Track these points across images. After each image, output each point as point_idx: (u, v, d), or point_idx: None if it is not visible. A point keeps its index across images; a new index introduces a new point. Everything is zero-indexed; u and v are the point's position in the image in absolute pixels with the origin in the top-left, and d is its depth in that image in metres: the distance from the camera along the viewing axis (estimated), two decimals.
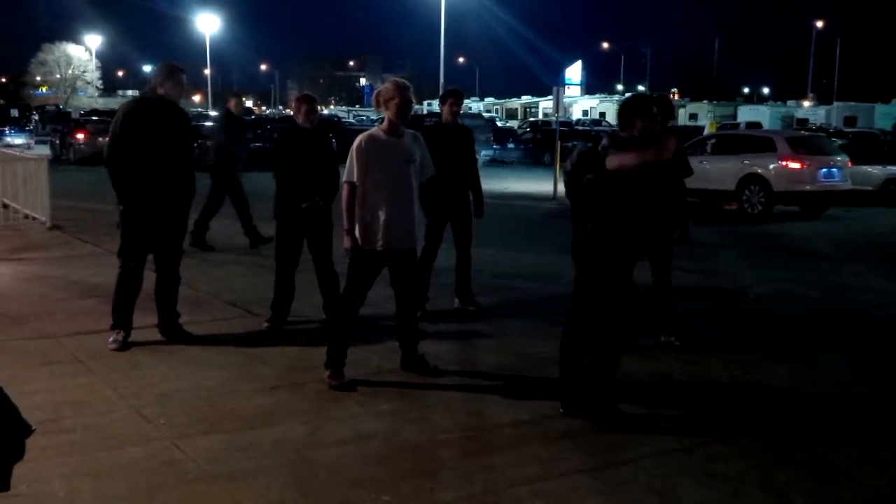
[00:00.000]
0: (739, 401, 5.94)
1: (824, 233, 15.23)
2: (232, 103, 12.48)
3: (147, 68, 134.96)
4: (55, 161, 26.88)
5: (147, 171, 6.48)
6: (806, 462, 4.86)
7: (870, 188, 20.20)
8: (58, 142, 32.94)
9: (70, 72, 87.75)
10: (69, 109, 60.91)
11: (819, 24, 76.82)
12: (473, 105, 72.65)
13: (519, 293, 8.96)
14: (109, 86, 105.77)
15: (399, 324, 6.27)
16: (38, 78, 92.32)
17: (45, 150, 29.21)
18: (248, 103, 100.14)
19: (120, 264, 6.80)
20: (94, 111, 54.68)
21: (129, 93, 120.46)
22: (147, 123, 6.50)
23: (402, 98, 5.83)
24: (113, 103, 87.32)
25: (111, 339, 6.66)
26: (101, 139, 31.28)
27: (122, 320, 6.72)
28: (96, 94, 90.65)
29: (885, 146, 23.63)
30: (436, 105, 58.56)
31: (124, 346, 6.62)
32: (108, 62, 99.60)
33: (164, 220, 6.70)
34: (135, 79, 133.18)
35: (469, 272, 8.14)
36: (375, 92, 6.03)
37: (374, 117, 56.38)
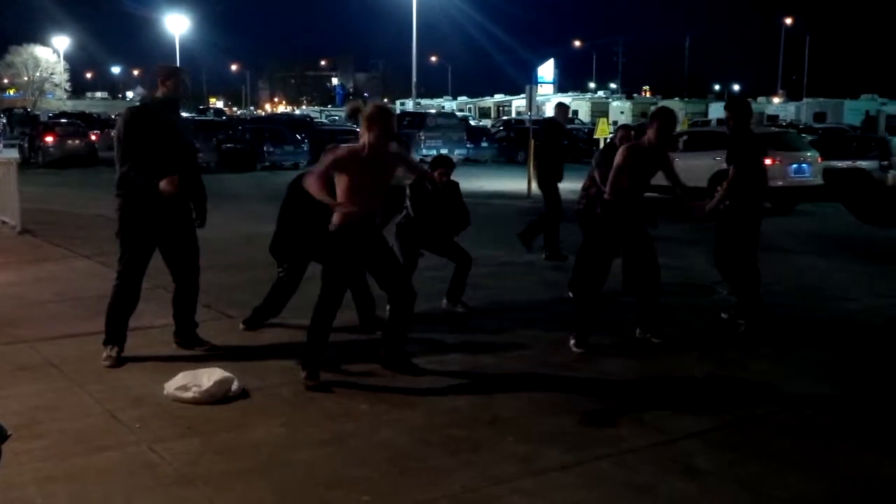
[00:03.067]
0: (718, 396, 5.98)
1: (795, 228, 15.36)
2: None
3: (116, 70, 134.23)
4: (24, 164, 26.60)
5: (156, 174, 6.26)
6: (785, 456, 4.90)
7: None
8: (26, 145, 32.61)
9: (38, 74, 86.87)
10: (37, 112, 60.25)
11: (788, 21, 77.55)
12: (446, 104, 72.67)
13: (497, 292, 8.96)
14: (78, 88, 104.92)
15: (390, 319, 6.26)
16: (6, 81, 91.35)
17: (13, 154, 28.86)
18: (219, 104, 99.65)
19: (116, 276, 6.51)
20: (63, 113, 54.18)
21: (98, 94, 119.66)
22: (150, 129, 6.26)
23: (385, 123, 5.81)
24: (82, 105, 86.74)
25: (104, 354, 6.39)
26: (69, 142, 31.06)
27: (115, 335, 6.47)
28: (65, 97, 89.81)
29: (854, 141, 23.86)
30: (409, 104, 58.66)
31: (118, 362, 6.36)
32: (76, 64, 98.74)
33: (169, 224, 6.46)
34: (103, 80, 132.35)
35: (465, 277, 8.14)
36: (350, 105, 6.05)
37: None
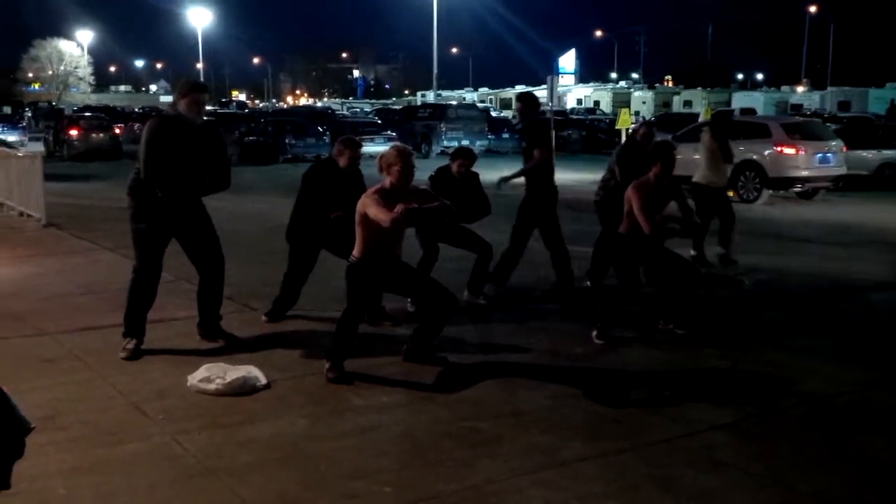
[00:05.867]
0: (741, 388, 5.95)
1: (820, 218, 15.24)
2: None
3: (139, 63, 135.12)
4: (49, 157, 26.83)
5: (175, 185, 6.32)
6: (809, 448, 4.86)
7: (865, 172, 20.17)
8: (51, 138, 32.83)
9: (62, 68, 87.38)
10: (62, 106, 60.77)
11: (812, 9, 76.76)
12: (468, 95, 72.48)
13: (518, 283, 8.94)
14: (102, 81, 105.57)
15: (426, 321, 6.34)
16: (31, 74, 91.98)
17: (38, 147, 29.12)
18: (241, 97, 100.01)
19: (133, 271, 6.57)
20: (87, 107, 54.62)
21: (122, 88, 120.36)
22: (169, 140, 6.27)
23: (404, 164, 5.92)
24: (105, 99, 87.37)
25: (123, 346, 6.44)
26: (94, 135, 31.23)
27: (134, 328, 6.50)
28: (89, 90, 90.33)
29: (879, 130, 23.61)
30: (430, 96, 58.61)
31: (136, 354, 6.40)
32: (100, 58, 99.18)
33: (183, 221, 6.48)
34: (127, 74, 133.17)
35: (487, 268, 8.16)
36: (379, 156, 6.09)
37: (367, 109, 56.26)
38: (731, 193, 17.80)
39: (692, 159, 17.68)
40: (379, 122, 35.51)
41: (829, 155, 17.86)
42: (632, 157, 8.68)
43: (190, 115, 6.40)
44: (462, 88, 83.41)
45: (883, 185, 19.88)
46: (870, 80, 55.36)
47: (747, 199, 17.40)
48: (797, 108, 47.20)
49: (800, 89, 59.49)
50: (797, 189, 17.83)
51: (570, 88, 69.34)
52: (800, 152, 17.32)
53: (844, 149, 18.61)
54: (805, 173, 17.45)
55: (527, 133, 8.77)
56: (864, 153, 20.55)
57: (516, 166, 9.05)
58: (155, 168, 6.26)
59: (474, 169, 8.13)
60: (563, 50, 77.43)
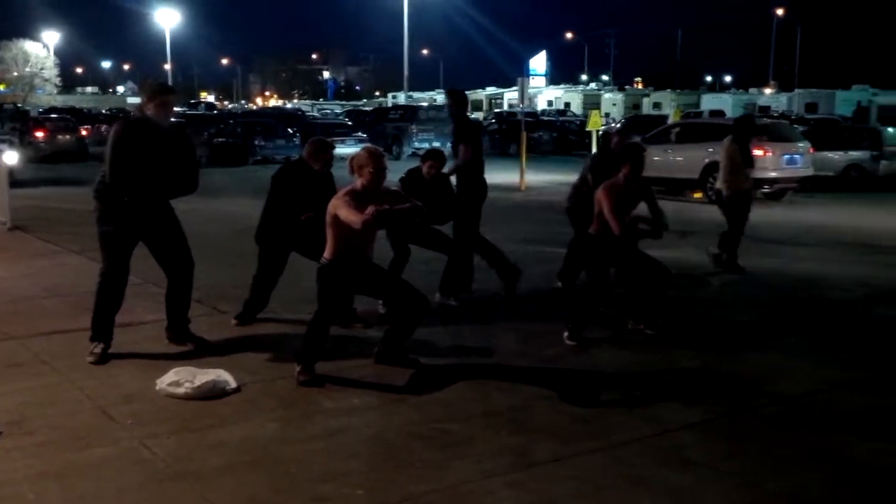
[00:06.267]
0: (712, 387, 5.98)
1: (788, 218, 15.40)
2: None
3: (106, 65, 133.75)
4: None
5: (141, 188, 6.26)
6: (780, 448, 4.90)
7: (831, 174, 20.43)
8: (17, 140, 32.39)
9: (28, 69, 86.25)
10: (28, 107, 59.96)
11: (779, 12, 77.60)
12: (438, 97, 72.49)
13: (489, 285, 8.95)
14: (68, 83, 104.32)
15: (397, 324, 6.31)
16: None
17: (11, 153, 28.70)
18: (210, 98, 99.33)
19: (99, 274, 6.48)
20: (53, 108, 53.92)
21: (89, 90, 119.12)
22: (136, 144, 6.21)
23: (376, 166, 5.90)
24: (72, 100, 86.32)
25: (90, 350, 6.36)
26: (60, 137, 30.90)
27: (101, 332, 6.43)
28: (55, 92, 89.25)
29: (845, 132, 23.91)
30: (401, 97, 58.54)
31: (103, 358, 6.32)
32: (66, 59, 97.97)
33: (150, 224, 6.43)
34: (94, 75, 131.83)
35: (458, 269, 8.15)
36: (350, 157, 6.07)
37: (337, 111, 56.09)
38: (698, 195, 18.02)
39: (661, 161, 17.94)
40: (350, 123, 35.45)
41: (796, 156, 18.07)
42: (606, 166, 8.70)
43: (158, 118, 6.33)
44: (433, 90, 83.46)
45: (849, 187, 20.14)
46: (837, 82, 55.96)
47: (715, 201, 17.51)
48: (764, 109, 47.65)
49: (767, 91, 60.04)
50: (765, 190, 18.00)
51: (541, 90, 69.50)
52: (767, 154, 17.48)
53: (811, 150, 18.83)
54: (773, 174, 17.62)
55: (454, 131, 8.76)
56: (830, 154, 20.80)
57: (489, 167, 9.03)
58: (120, 172, 6.20)
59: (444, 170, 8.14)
60: (534, 52, 77.63)
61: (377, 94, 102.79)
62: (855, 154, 20.90)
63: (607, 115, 52.16)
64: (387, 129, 33.02)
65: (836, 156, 20.95)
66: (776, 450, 4.86)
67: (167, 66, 72.77)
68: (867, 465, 4.71)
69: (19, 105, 63.27)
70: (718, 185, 10.70)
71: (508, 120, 39.18)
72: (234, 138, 30.24)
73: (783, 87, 64.48)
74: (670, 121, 29.42)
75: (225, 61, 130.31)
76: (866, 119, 35.15)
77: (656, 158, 16.58)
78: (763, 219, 15.28)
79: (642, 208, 7.15)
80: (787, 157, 17.83)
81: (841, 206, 17.41)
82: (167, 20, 67.03)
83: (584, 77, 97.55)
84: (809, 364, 6.49)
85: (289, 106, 79.16)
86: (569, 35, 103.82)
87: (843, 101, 46.03)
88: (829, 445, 4.95)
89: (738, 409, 5.51)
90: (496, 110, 57.43)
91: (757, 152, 17.30)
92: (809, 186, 18.56)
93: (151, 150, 6.25)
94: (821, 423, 5.32)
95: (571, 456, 4.73)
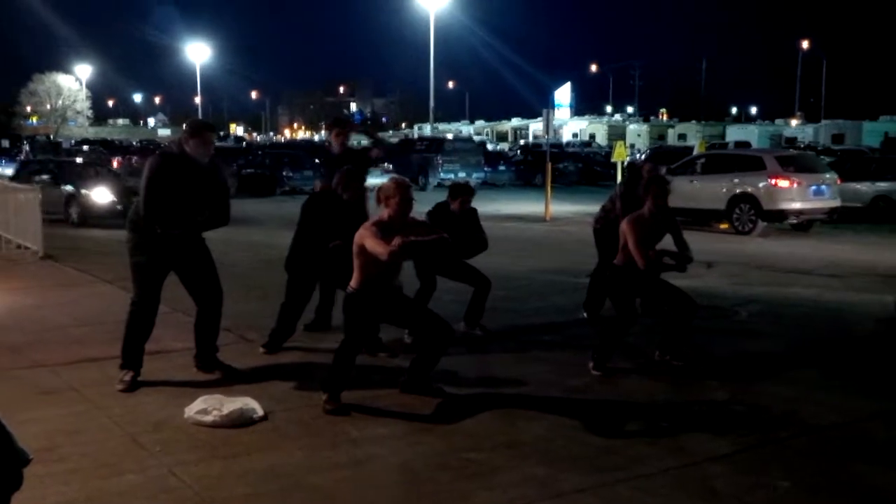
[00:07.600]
0: (738, 419, 5.95)
1: (815, 249, 15.30)
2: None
3: (137, 97, 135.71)
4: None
5: (174, 223, 6.36)
6: (806, 479, 4.86)
7: (859, 205, 20.31)
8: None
9: (60, 102, 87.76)
10: (60, 139, 60.87)
11: (805, 44, 77.52)
12: (464, 128, 72.88)
13: (514, 315, 8.97)
14: (100, 115, 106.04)
15: (423, 353, 6.33)
16: (29, 108, 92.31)
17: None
18: (240, 130, 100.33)
19: (131, 303, 6.58)
20: (85, 140, 54.75)
21: (120, 121, 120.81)
22: (170, 179, 6.31)
23: (403, 196, 5.95)
24: (103, 132, 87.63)
25: (120, 378, 6.43)
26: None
27: (131, 360, 6.50)
28: (87, 124, 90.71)
29: (873, 163, 23.78)
30: (426, 129, 58.87)
31: (133, 386, 6.38)
32: (98, 92, 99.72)
33: (182, 256, 6.51)
34: (125, 107, 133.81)
35: (484, 300, 8.16)
36: (377, 188, 6.14)
37: (364, 142, 56.46)
38: (725, 226, 17.97)
39: (687, 192, 17.90)
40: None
41: (823, 187, 17.99)
42: (633, 196, 8.71)
43: (198, 154, 6.42)
44: (458, 121, 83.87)
45: (877, 218, 19.98)
46: (864, 113, 55.75)
47: (743, 231, 17.49)
48: (791, 141, 47.50)
49: (794, 122, 59.94)
50: (792, 221, 17.94)
51: (566, 121, 69.83)
52: (794, 184, 17.44)
53: (839, 181, 18.74)
54: (799, 205, 17.55)
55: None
56: (858, 185, 20.69)
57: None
58: (155, 206, 6.30)
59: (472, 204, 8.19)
60: (559, 83, 78.08)
61: (403, 125, 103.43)
62: (883, 185, 20.76)
63: (632, 146, 52.19)
64: (413, 160, 33.20)
65: (863, 187, 20.83)
66: (803, 481, 4.83)
67: (197, 99, 73.75)
68: (895, 495, 4.67)
69: (52, 137, 64.26)
70: None
71: (534, 151, 39.33)
72: (262, 169, 30.57)
73: (809, 118, 64.33)
74: (695, 152, 29.40)
75: (254, 94, 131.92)
76: (894, 150, 34.94)
77: (682, 189, 16.54)
78: (791, 249, 15.22)
79: (668, 240, 7.15)
80: (813, 187, 17.75)
81: (869, 237, 17.27)
82: (198, 54, 67.98)
83: (608, 108, 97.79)
84: (837, 395, 6.44)
85: (316, 138, 79.74)
86: (593, 67, 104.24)
87: (870, 132, 45.84)
88: (855, 476, 4.91)
89: (765, 441, 5.48)
90: (521, 141, 57.61)
91: (783, 183, 17.42)
92: (837, 218, 18.45)
93: (186, 184, 6.35)
94: (848, 454, 5.27)
95: (597, 486, 4.72)
